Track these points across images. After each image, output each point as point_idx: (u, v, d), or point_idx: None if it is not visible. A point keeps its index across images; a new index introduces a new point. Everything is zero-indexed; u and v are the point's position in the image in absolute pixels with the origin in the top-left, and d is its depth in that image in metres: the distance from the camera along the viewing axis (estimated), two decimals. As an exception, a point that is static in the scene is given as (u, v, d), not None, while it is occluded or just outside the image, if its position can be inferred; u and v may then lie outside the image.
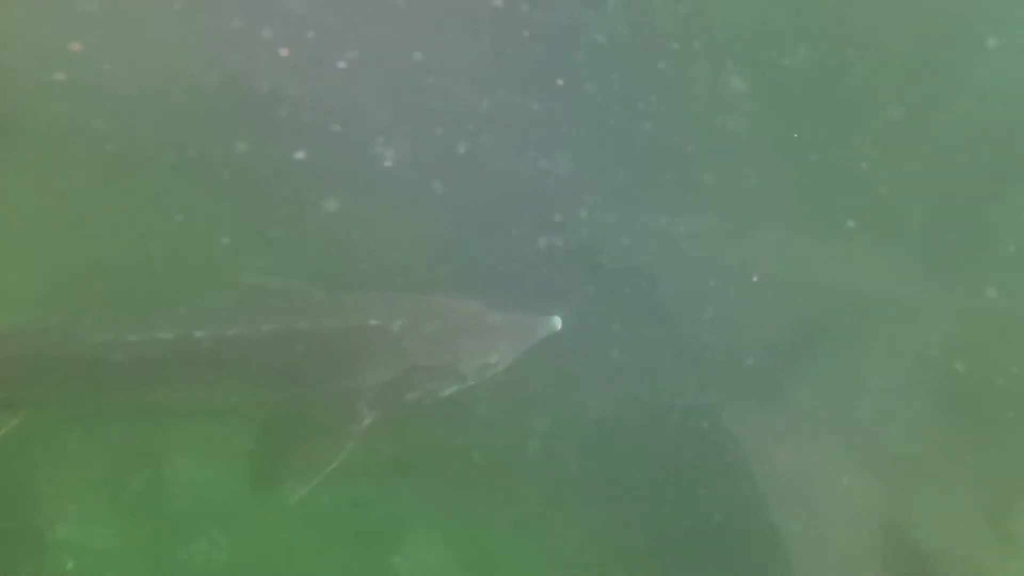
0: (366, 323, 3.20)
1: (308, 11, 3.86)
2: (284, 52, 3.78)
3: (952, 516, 3.69)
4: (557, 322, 3.35)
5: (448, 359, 3.20)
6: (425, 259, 3.82)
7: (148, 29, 3.80)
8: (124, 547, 3.28)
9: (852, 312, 3.98)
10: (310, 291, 3.39)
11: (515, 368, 3.33)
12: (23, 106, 3.73)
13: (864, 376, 3.89)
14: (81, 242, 3.68)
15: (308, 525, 3.33)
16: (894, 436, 3.81)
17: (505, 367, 3.30)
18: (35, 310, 3.40)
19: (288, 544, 3.34)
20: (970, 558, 3.63)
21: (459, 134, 3.83)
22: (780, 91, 4.16)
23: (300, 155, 3.72)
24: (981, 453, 3.79)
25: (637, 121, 4.05)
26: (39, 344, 3.16)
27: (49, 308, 3.44)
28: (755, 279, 3.86)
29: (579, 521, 3.58)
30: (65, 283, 3.55)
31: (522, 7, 4.03)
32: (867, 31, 4.15)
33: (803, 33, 4.11)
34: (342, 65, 3.80)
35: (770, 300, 3.91)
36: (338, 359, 3.17)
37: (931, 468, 3.75)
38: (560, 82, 4.01)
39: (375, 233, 3.78)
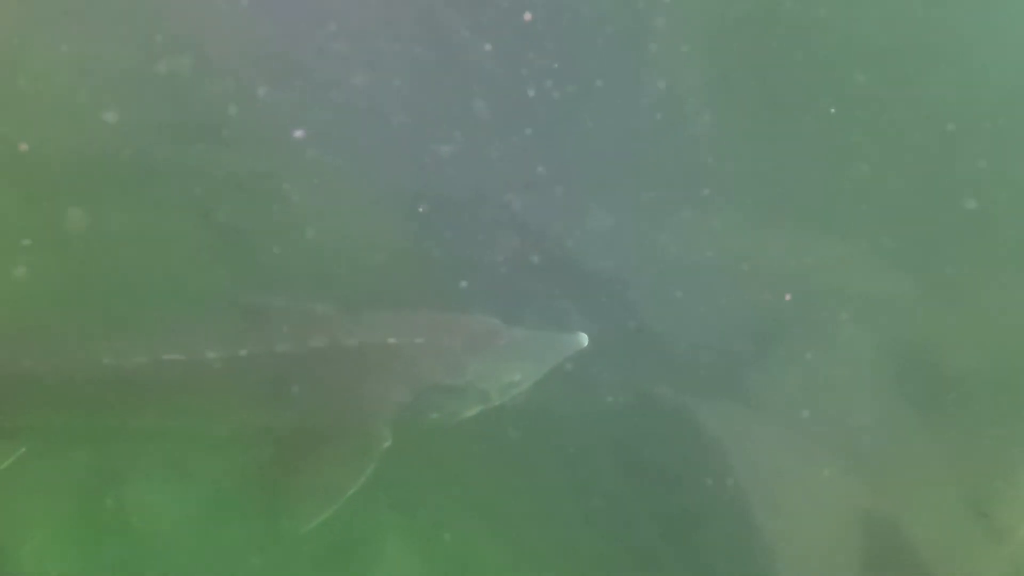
0: (384, 341, 3.07)
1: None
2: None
3: (936, 506, 3.64)
4: (583, 339, 3.24)
5: (470, 378, 3.08)
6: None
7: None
8: None
9: (824, 306, 3.89)
10: (321, 309, 3.26)
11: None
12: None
13: (839, 370, 3.82)
14: (78, 261, 3.54)
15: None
16: (875, 429, 3.73)
17: (530, 385, 3.20)
18: (35, 331, 3.27)
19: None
20: (958, 547, 3.59)
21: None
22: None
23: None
24: (961, 442, 3.74)
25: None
26: (42, 368, 3.03)
27: (51, 329, 3.30)
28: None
29: (560, 529, 3.49)
30: (65, 303, 3.42)
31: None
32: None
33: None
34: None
35: (747, 296, 3.83)
36: (355, 379, 3.04)
37: (913, 459, 3.70)
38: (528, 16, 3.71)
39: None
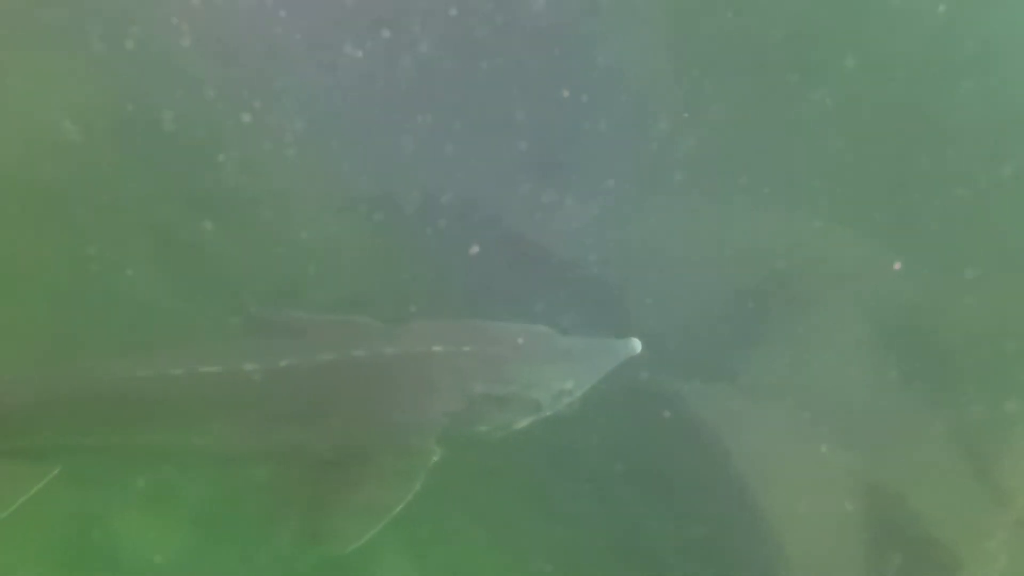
0: (429, 350, 2.94)
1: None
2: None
3: (939, 473, 3.62)
4: (636, 344, 3.09)
5: (521, 387, 2.93)
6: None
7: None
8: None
9: (809, 279, 3.84)
10: (364, 320, 3.14)
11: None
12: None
13: (830, 343, 3.77)
14: (109, 274, 3.48)
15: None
16: (870, 402, 3.69)
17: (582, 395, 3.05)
18: (69, 347, 3.18)
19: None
20: (961, 513, 3.56)
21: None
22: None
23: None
24: (963, 409, 3.72)
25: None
26: (77, 384, 2.94)
27: (84, 344, 3.22)
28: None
29: (555, 534, 3.43)
30: (98, 317, 3.34)
31: None
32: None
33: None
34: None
35: (730, 275, 3.79)
36: (401, 390, 2.91)
37: (915, 428, 3.67)
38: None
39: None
